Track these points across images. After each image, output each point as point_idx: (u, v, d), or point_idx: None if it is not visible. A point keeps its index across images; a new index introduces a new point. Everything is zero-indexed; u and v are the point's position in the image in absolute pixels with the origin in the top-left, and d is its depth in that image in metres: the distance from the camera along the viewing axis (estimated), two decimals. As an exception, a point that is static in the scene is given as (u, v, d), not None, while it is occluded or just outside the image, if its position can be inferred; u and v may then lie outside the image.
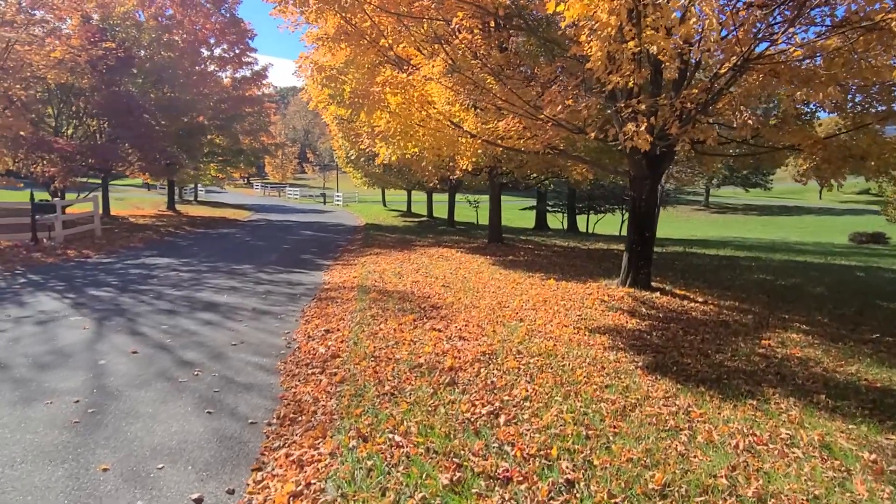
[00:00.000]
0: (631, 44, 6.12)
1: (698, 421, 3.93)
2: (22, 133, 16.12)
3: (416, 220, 33.43)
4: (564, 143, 9.33)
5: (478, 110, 9.08)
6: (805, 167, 8.42)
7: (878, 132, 7.70)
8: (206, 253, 14.57)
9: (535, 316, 7.13)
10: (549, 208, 31.18)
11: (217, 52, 27.51)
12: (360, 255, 14.27)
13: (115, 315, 7.35)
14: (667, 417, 3.96)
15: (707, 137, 6.53)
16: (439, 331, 6.30)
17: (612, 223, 31.13)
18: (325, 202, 51.89)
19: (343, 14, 7.68)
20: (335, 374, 5.01)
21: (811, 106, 10.27)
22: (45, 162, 16.76)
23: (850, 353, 5.94)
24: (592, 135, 6.57)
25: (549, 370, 4.93)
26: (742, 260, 15.52)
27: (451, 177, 19.83)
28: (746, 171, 50.96)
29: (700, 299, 8.57)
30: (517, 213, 37.27)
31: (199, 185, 44.17)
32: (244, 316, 7.64)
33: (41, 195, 21.29)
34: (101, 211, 23.44)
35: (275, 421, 4.13)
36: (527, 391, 4.37)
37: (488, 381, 4.61)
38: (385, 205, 47.51)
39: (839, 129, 8.19)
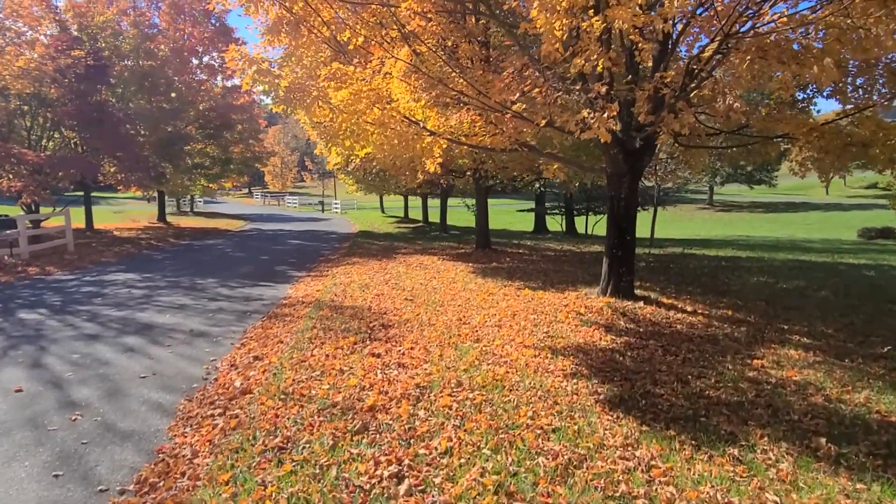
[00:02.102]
0: (596, 23, 5.28)
1: (660, 482, 3.05)
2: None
3: (412, 225, 32.68)
4: (536, 139, 8.47)
5: (440, 106, 8.23)
6: (801, 157, 7.51)
7: (881, 117, 6.79)
8: (176, 267, 13.80)
9: (496, 334, 6.26)
10: (547, 210, 30.28)
11: (206, 60, 27.04)
12: (336, 266, 13.46)
13: (27, 343, 6.56)
14: (620, 477, 3.08)
15: (682, 127, 5.66)
16: (378, 356, 5.44)
17: (611, 224, 30.15)
18: (323, 210, 51.24)
19: (280, 1, 6.89)
20: (235, 416, 4.17)
21: (808, 91, 9.38)
22: (11, 176, 16.05)
23: (858, 374, 5.03)
24: (543, 122, 5.71)
25: (488, 409, 4.06)
26: (743, 261, 14.58)
27: (440, 181, 19.18)
28: (751, 168, 49.68)
29: (689, 309, 7.66)
30: (517, 216, 36.35)
31: (198, 195, 43.46)
32: (176, 339, 6.84)
33: (12, 209, 20.68)
34: (82, 224, 22.97)
35: (130, 488, 3.29)
36: (450, 441, 3.50)
37: (408, 427, 3.74)
38: (383, 211, 46.85)
39: (838, 115, 7.29)
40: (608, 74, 6.34)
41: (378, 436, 3.62)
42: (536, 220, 30.70)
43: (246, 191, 78.90)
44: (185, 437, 3.96)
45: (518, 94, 5.61)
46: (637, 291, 8.34)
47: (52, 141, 20.80)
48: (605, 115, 5.01)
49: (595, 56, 5.56)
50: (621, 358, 5.35)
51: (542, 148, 8.98)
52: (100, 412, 4.48)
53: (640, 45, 6.21)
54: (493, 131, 7.92)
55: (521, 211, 33.74)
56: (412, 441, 3.53)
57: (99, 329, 7.34)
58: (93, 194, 47.14)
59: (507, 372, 4.87)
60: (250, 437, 3.67)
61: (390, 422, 3.84)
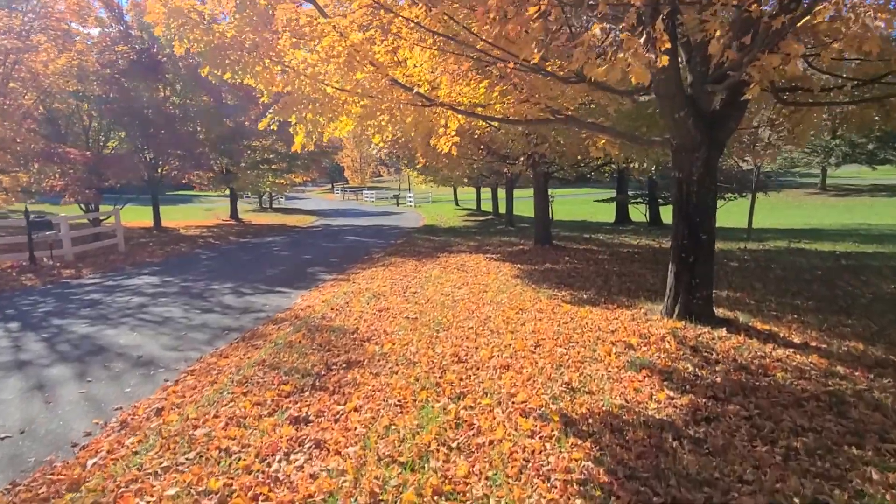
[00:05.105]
0: None
1: None
2: (34, 147, 15.33)
3: (481, 218, 30.90)
4: (575, 106, 6.36)
5: (450, 74, 6.37)
6: None
7: None
8: (207, 268, 12.94)
9: (493, 383, 4.32)
10: (629, 199, 27.25)
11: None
12: (371, 266, 12.00)
13: (-64, 374, 5.47)
14: None
15: (785, 66, 3.44)
16: (299, 423, 3.70)
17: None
18: (398, 203, 50.65)
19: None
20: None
21: None
22: (57, 175, 15.94)
23: None
24: (536, 57, 3.65)
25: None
26: (869, 258, 11.50)
27: (504, 169, 17.27)
28: (873, 146, 43.00)
29: (796, 339, 5.29)
30: (600, 206, 33.31)
31: (269, 191, 43.96)
32: (110, 370, 5.53)
33: (73, 209, 20.96)
34: (150, 222, 23.19)
35: None
36: None
37: None
38: (457, 203, 45.34)
39: None
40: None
41: None
42: (617, 211, 27.81)
43: (329, 186, 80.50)
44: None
45: (511, 27, 3.64)
46: (718, 310, 6.04)
47: (114, 140, 20.90)
48: (642, 39, 2.94)
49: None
50: (676, 444, 3.24)
51: (591, 119, 6.85)
52: None
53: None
54: (518, 97, 5.96)
55: (598, 201, 30.79)
56: None
57: (40, 353, 6.21)
58: (186, 192, 49.24)
59: (468, 476, 2.94)
60: None
61: None
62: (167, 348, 6.31)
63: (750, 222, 15.60)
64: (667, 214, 26.29)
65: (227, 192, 33.68)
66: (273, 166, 30.08)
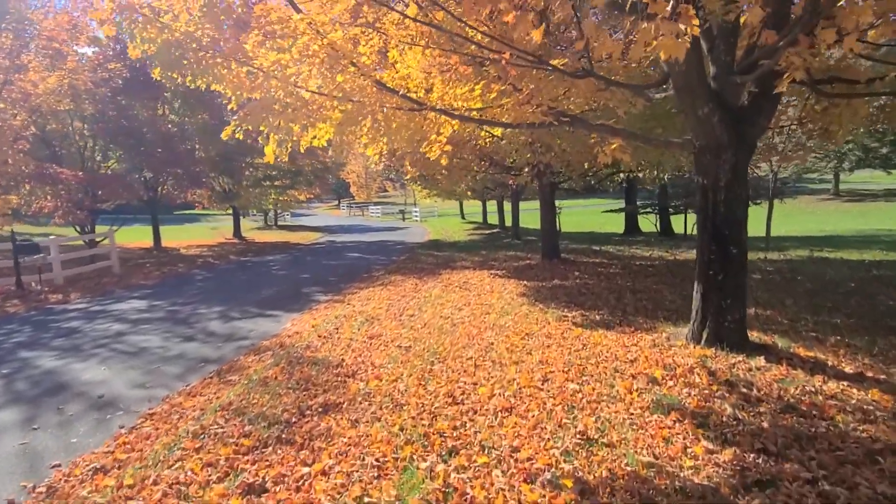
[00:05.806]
0: None
1: None
2: (24, 168, 14.88)
3: (487, 232, 30.28)
4: (581, 107, 5.71)
5: (443, 71, 5.77)
6: None
7: None
8: (200, 290, 12.34)
9: (493, 432, 3.62)
10: (638, 209, 26.48)
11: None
12: (370, 286, 11.36)
13: None
14: None
15: (850, 27, 2.77)
16: (252, 496, 3.00)
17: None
18: (403, 218, 50.16)
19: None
20: None
21: None
22: (48, 196, 15.48)
23: None
24: (537, 35, 2.98)
25: None
26: (906, 268, 10.71)
27: (510, 181, 16.64)
28: (887, 150, 41.92)
29: (847, 368, 4.54)
30: (609, 217, 32.57)
31: (271, 208, 43.60)
32: (63, 416, 4.90)
33: (66, 231, 20.52)
34: (150, 243, 22.77)
35: None
36: None
37: None
38: (463, 217, 44.82)
39: None
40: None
41: None
42: (627, 221, 27.04)
43: (335, 202, 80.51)
44: None
45: (504, 5, 2.99)
46: (752, 334, 5.30)
47: (113, 160, 20.51)
48: (669, 6, 2.29)
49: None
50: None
51: (597, 120, 6.19)
52: None
53: None
54: (518, 99, 5.33)
55: (606, 212, 30.07)
56: None
57: (-7, 393, 5.58)
58: (192, 212, 48.91)
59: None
60: None
61: None
62: (134, 385, 5.68)
63: (768, 230, 14.82)
64: (678, 224, 25.55)
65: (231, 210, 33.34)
66: (276, 183, 29.64)
